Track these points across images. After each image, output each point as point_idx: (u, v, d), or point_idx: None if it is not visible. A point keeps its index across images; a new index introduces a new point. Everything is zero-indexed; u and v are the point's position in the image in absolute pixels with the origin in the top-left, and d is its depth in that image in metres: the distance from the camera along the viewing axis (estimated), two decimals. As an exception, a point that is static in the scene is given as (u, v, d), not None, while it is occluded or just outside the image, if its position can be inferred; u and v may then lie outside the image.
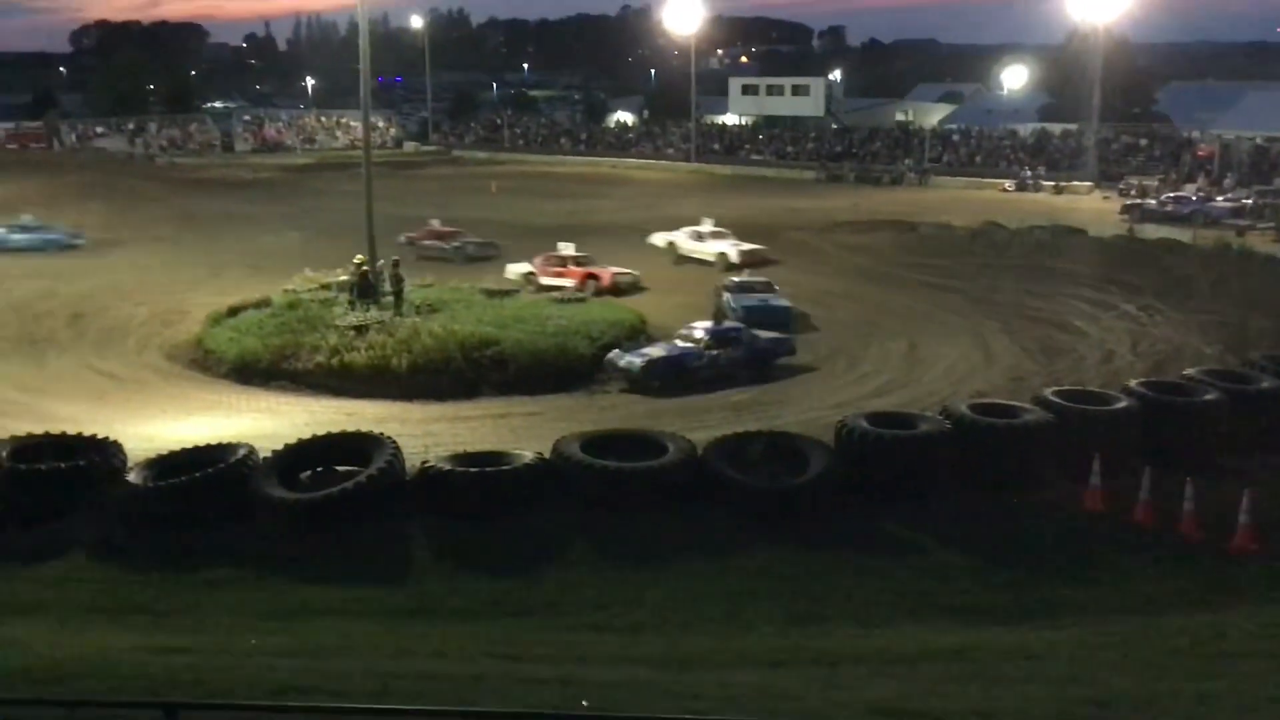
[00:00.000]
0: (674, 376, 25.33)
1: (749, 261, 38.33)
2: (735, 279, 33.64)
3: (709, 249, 40.42)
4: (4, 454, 15.36)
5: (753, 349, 26.82)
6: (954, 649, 11.32)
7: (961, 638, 11.74)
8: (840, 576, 13.79)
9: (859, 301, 34.05)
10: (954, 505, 15.63)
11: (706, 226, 42.13)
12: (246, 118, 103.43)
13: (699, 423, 20.80)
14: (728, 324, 28.11)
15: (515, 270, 36.69)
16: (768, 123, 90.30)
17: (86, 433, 16.35)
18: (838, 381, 26.12)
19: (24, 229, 45.16)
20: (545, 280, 35.37)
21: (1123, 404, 17.73)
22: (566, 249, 37.39)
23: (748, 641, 11.84)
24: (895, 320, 31.63)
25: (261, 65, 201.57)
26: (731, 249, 39.89)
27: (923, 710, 9.02)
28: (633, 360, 25.70)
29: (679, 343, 26.68)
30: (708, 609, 12.84)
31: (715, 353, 26.18)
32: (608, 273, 35.59)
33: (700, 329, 27.04)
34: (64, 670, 9.42)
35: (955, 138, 78.17)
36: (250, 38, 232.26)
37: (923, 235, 44.74)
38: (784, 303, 31.49)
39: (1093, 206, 55.25)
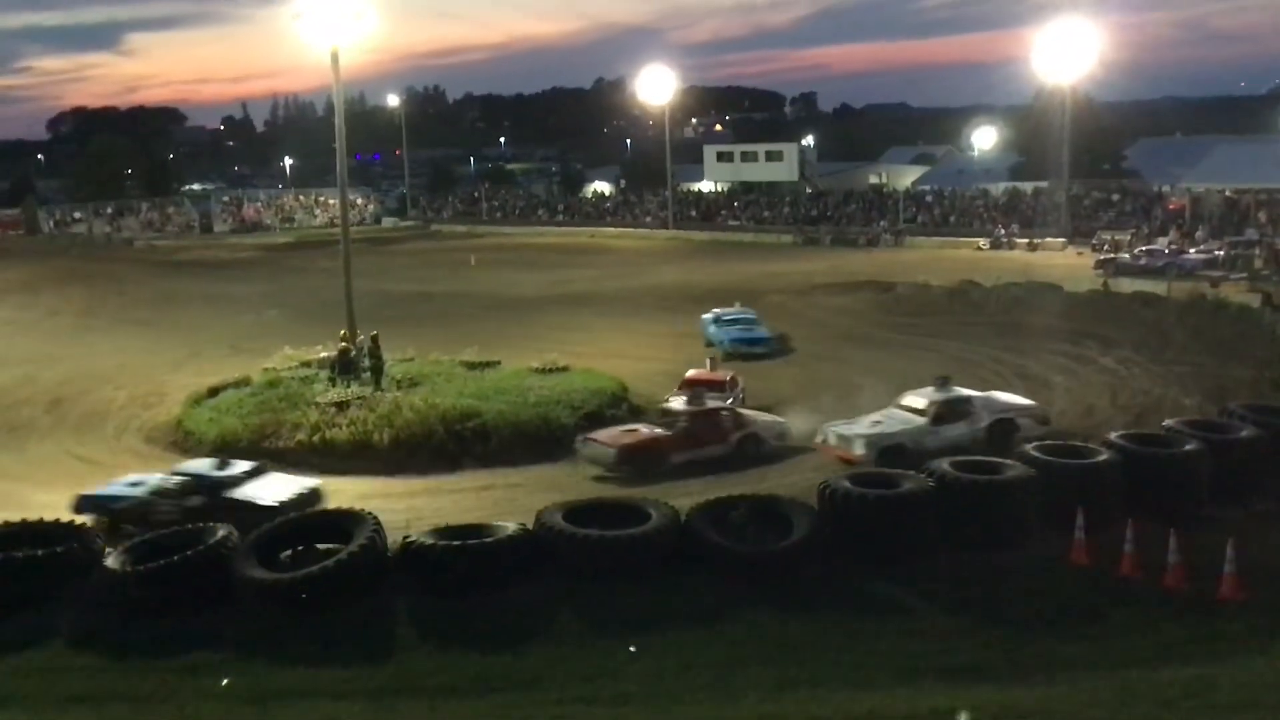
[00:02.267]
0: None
1: None
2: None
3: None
4: (-20, 543, 15.17)
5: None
6: (945, 710, 11.20)
7: (952, 698, 11.63)
8: (828, 640, 13.68)
9: (840, 362, 34.12)
10: (940, 564, 15.57)
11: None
12: (225, 199, 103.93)
13: (682, 489, 20.71)
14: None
15: None
16: (743, 188, 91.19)
17: (64, 519, 16.19)
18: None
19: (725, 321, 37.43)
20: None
21: (1104, 456, 17.75)
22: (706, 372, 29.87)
23: (738, 709, 11.71)
24: (877, 380, 31.61)
25: (239, 146, 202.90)
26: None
27: (915, 773, 8.92)
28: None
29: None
30: (696, 677, 12.70)
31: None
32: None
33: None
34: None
35: (929, 198, 78.98)
36: (228, 120, 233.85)
37: (901, 295, 44.98)
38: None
39: (1067, 262, 55.74)
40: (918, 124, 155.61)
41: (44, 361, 37.70)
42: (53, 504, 20.06)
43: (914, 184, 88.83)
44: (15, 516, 16.70)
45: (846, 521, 15.84)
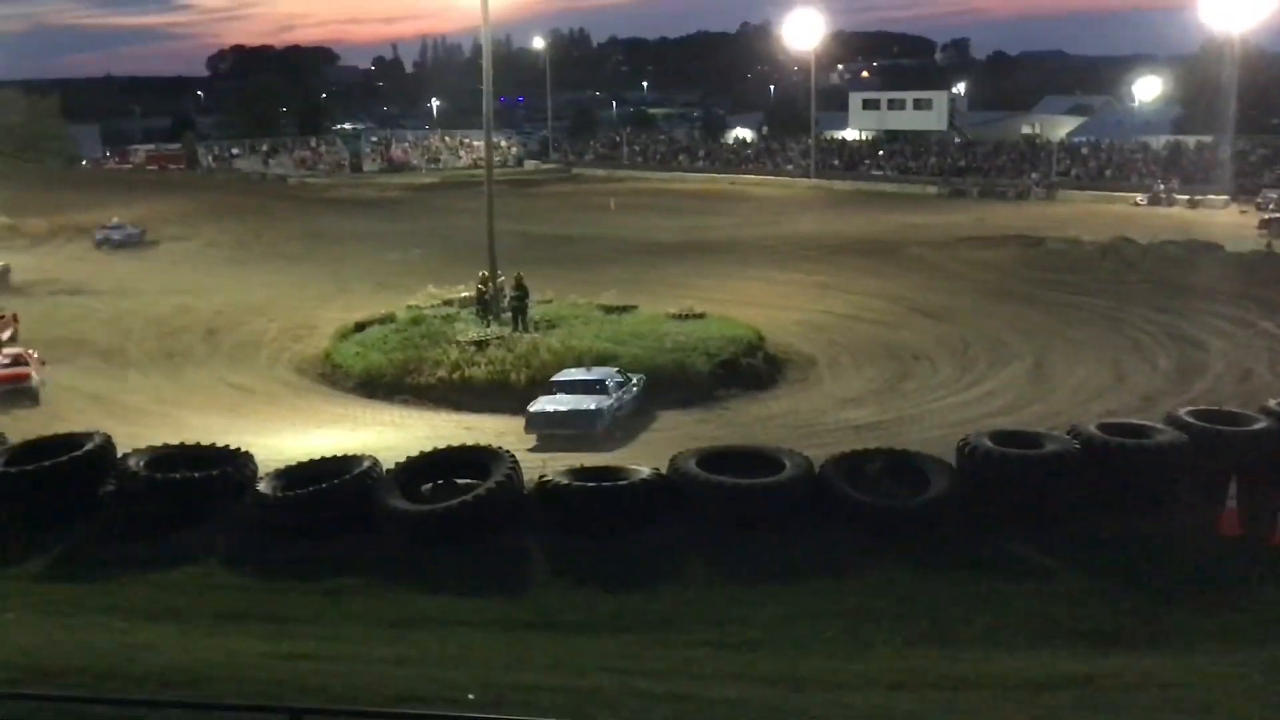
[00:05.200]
0: None
1: None
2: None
3: None
4: (141, 463, 15.92)
5: None
6: (1081, 676, 10.96)
7: (1089, 665, 11.37)
8: (962, 599, 13.47)
9: (983, 318, 33.39)
10: (1082, 528, 15.14)
11: None
12: (374, 139, 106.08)
13: (817, 440, 20.59)
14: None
15: None
16: (889, 137, 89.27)
17: (219, 443, 16.86)
18: (959, 399, 25.65)
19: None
20: None
21: (1262, 424, 16.98)
22: None
23: (866, 663, 11.63)
24: (1020, 337, 30.93)
25: (389, 87, 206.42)
26: None
27: (1048, 738, 8.76)
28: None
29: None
30: (826, 628, 12.65)
31: None
32: None
33: None
34: (195, 674, 9.71)
35: (1084, 151, 76.18)
36: (378, 60, 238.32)
37: (1049, 251, 43.75)
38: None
39: (1229, 221, 53.36)
40: (1075, 73, 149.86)
41: (201, 292, 39.30)
42: (207, 427, 20.99)
43: (1069, 135, 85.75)
44: (174, 439, 17.48)
45: (985, 480, 15.51)
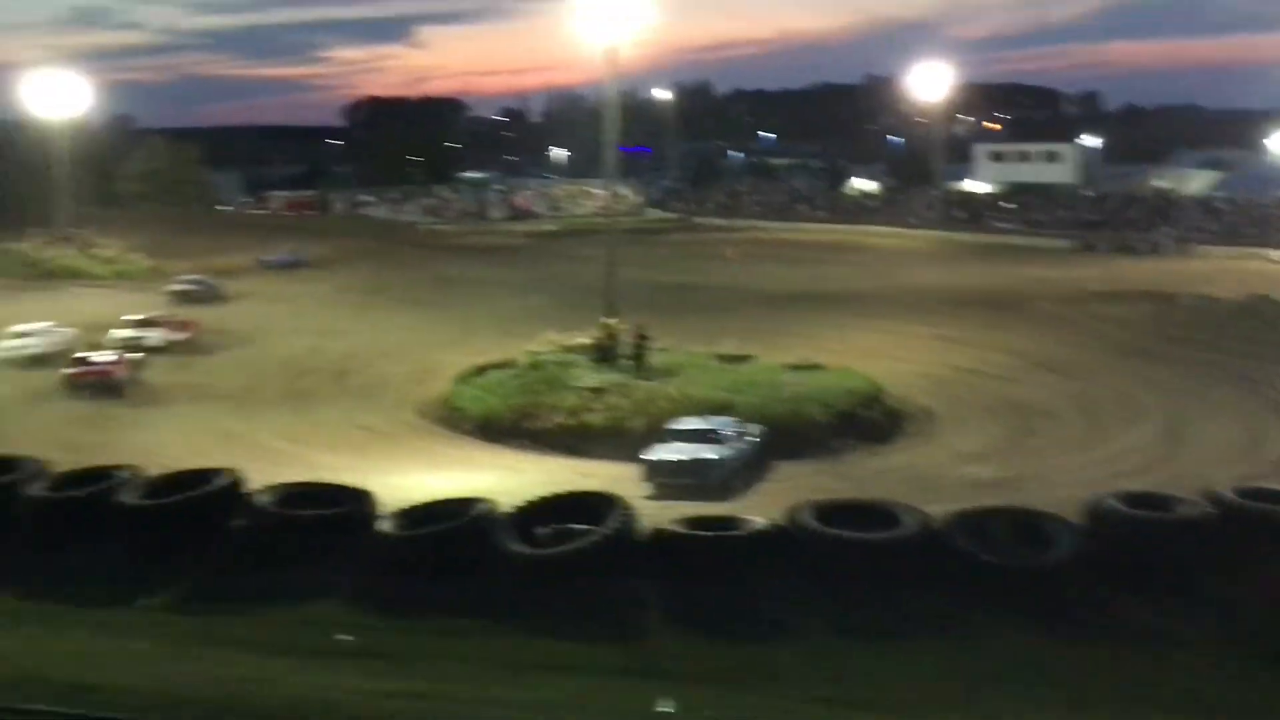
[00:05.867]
0: None
1: None
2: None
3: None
4: (268, 499, 16.37)
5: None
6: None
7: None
8: (1088, 665, 13.04)
9: (1112, 375, 32.48)
10: (1217, 596, 14.54)
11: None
12: (499, 187, 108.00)
13: (936, 496, 20.18)
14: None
15: None
16: (1016, 190, 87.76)
17: (343, 482, 17.24)
18: (1088, 458, 24.94)
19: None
20: None
21: None
22: None
23: (985, 728, 11.32)
24: (1151, 396, 29.99)
25: (515, 136, 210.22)
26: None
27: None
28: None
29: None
30: (945, 691, 12.36)
31: None
32: None
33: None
34: (308, 710, 9.89)
35: (1220, 205, 73.89)
36: (506, 110, 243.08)
37: (1183, 307, 42.42)
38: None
39: (1376, 280, 51.03)
40: (1210, 126, 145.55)
41: (332, 335, 40.36)
42: (333, 465, 21.50)
43: (1204, 189, 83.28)
44: (302, 477, 17.94)
45: (1114, 542, 15.01)
